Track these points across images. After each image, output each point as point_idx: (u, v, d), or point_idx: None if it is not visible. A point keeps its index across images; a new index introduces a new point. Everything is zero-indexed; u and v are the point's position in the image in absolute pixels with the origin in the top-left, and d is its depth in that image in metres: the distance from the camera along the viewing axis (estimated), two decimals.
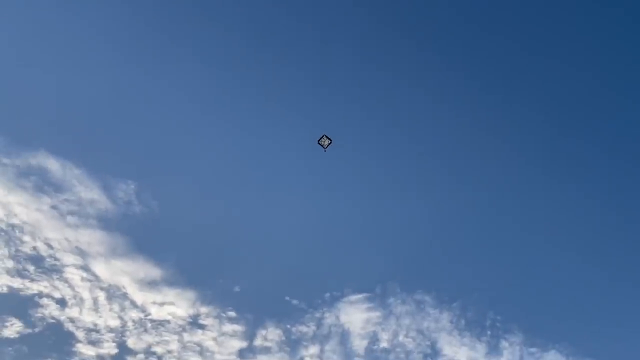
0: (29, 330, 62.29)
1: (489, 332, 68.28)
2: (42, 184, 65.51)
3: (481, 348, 67.44)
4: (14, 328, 61.94)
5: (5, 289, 62.34)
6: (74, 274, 64.79)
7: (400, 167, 74.78)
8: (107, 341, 63.71)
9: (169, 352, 64.76)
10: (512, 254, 73.08)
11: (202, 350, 65.32)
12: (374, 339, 67.53)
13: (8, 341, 61.40)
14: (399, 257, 71.84)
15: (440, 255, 72.76)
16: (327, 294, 69.22)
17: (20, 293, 62.89)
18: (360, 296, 69.12)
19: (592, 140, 76.97)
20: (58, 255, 64.85)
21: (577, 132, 77.33)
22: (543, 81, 77.59)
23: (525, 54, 78.03)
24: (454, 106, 76.72)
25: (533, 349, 67.47)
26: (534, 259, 73.19)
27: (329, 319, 68.06)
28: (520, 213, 74.76)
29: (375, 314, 68.42)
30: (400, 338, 67.79)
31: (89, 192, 66.90)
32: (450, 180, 75.19)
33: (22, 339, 61.67)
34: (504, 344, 67.67)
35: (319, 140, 56.39)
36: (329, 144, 56.33)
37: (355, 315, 68.24)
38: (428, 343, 67.87)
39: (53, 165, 66.03)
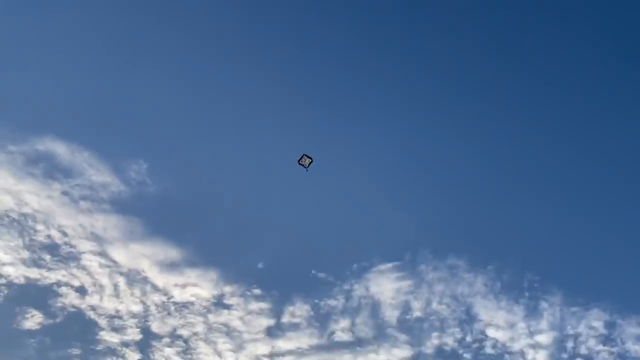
0: (51, 321, 59.46)
1: (526, 294, 64.03)
2: (52, 170, 62.09)
3: (519, 311, 63.38)
4: (34, 319, 59.29)
5: (22, 280, 59.59)
6: (91, 261, 61.51)
7: (424, 127, 70.59)
8: (131, 327, 60.85)
9: (195, 334, 61.67)
10: (546, 213, 68.33)
11: (228, 331, 61.97)
12: (406, 308, 63.99)
13: (30, 333, 58.68)
14: (428, 222, 66.97)
15: (471, 218, 67.96)
16: (355, 265, 65.14)
17: (38, 283, 59.94)
18: (389, 265, 64.84)
19: None
20: (73, 242, 61.43)
21: None
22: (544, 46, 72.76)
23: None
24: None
25: (575, 308, 62.87)
26: (569, 215, 68.73)
27: (358, 290, 64.39)
28: (551, 169, 70.36)
29: (406, 283, 64.57)
30: (434, 305, 64.06)
31: (100, 175, 63.50)
32: (477, 140, 70.93)
33: (43, 330, 58.74)
34: (544, 305, 63.42)
35: (299, 160, 53.43)
36: (310, 162, 53.36)
37: (385, 286, 64.33)
38: (463, 309, 63.76)
39: (61, 149, 62.57)
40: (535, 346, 62.26)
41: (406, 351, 62.32)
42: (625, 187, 69.61)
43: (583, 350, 61.89)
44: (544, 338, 62.40)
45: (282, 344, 62.27)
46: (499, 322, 63.12)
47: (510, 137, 71.47)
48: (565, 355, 61.89)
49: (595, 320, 62.57)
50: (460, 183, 68.84)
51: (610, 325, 62.36)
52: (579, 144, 70.88)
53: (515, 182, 69.53)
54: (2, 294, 58.97)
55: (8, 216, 60.37)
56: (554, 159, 70.52)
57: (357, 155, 68.99)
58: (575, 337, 62.29)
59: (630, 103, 71.49)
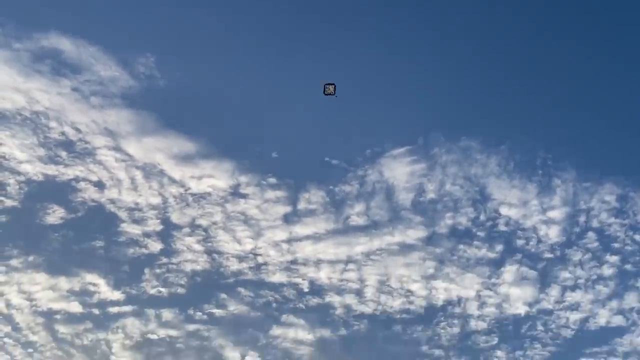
0: (72, 215, 59.99)
1: (539, 172, 63.55)
2: (59, 67, 60.56)
3: (532, 189, 63.14)
4: (56, 214, 59.89)
5: (41, 177, 59.58)
6: (107, 156, 61.37)
7: (433, 9, 67.82)
8: (151, 218, 61.46)
9: (214, 223, 62.20)
10: (558, 90, 67.21)
11: (246, 219, 62.44)
12: (420, 191, 64.04)
13: (53, 227, 59.39)
14: (439, 104, 65.82)
15: (483, 98, 66.99)
16: (368, 151, 64.38)
17: (57, 179, 59.98)
18: (402, 150, 64.33)
19: None
20: (88, 138, 61.03)
21: None
22: None
23: None
24: None
25: (587, 184, 62.35)
26: (580, 91, 67.39)
27: (371, 175, 64.27)
28: (561, 46, 68.25)
29: (420, 166, 64.29)
30: (447, 187, 63.90)
31: (109, 70, 61.99)
32: (485, 17, 68.41)
33: (66, 224, 59.42)
34: (556, 181, 63.00)
35: (325, 91, 51.74)
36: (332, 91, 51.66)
37: (398, 170, 64.15)
38: (477, 189, 63.70)
39: (66, 45, 60.78)
40: (548, 222, 62.84)
41: (420, 232, 63.13)
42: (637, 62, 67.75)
43: (595, 223, 62.48)
44: (556, 214, 62.89)
45: (299, 230, 63.17)
46: (512, 200, 63.38)
47: (521, 11, 68.86)
48: (577, 229, 62.63)
49: (608, 194, 62.76)
50: (469, 62, 67.22)
51: (622, 198, 62.61)
52: (594, 19, 68.41)
53: (526, 59, 67.74)
54: (22, 191, 59.44)
55: (20, 114, 59.90)
56: (565, 35, 68.33)
57: (366, 40, 67.11)
58: (588, 211, 62.70)
59: None
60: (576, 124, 66.52)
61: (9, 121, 59.45)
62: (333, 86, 51.15)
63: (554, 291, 61.54)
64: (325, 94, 51.47)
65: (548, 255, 62.29)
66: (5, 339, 57.00)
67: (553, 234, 62.52)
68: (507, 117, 66.54)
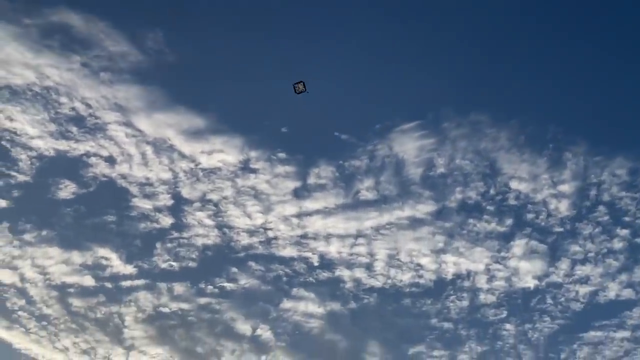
0: (84, 190, 60.38)
1: (550, 146, 62.78)
2: (69, 42, 60.09)
3: (542, 163, 62.52)
4: (68, 189, 60.27)
5: (52, 152, 59.77)
6: (117, 131, 61.29)
7: None
8: (162, 193, 61.59)
9: (224, 198, 62.40)
10: (570, 63, 66.50)
11: (256, 194, 62.55)
12: (430, 165, 63.67)
13: (65, 202, 59.92)
14: (449, 78, 65.09)
15: (493, 72, 66.32)
16: (378, 126, 64.02)
17: (68, 155, 60.17)
18: (412, 124, 63.90)
19: None
20: (98, 113, 60.94)
21: None
22: None
23: None
24: None
25: (598, 157, 61.57)
26: (593, 65, 66.55)
27: (381, 150, 63.90)
28: (574, 17, 67.31)
29: (430, 141, 63.85)
30: (457, 161, 63.50)
31: (118, 46, 61.45)
32: None
33: (78, 199, 59.99)
34: (567, 155, 62.06)
35: (295, 90, 51.68)
36: (303, 88, 51.56)
37: (408, 144, 63.62)
38: (486, 163, 63.18)
39: (76, 20, 60.36)
40: (558, 196, 62.51)
41: (430, 206, 63.12)
42: None
43: (606, 197, 62.06)
44: (566, 187, 62.43)
45: (309, 205, 63.32)
46: (522, 174, 62.91)
47: None
48: (587, 203, 62.30)
49: (619, 168, 62.04)
50: (479, 36, 66.40)
51: (633, 171, 61.88)
52: None
53: (536, 33, 66.77)
54: (34, 167, 59.86)
55: (31, 90, 59.90)
56: (577, 9, 67.32)
57: (376, 14, 66.39)
58: (599, 185, 62.24)
59: None
60: (587, 97, 65.89)
61: (19, 97, 59.60)
62: (302, 84, 51.25)
63: (564, 265, 61.60)
64: (297, 93, 51.64)
65: (558, 229, 62.24)
66: (20, 312, 57.92)
67: (563, 207, 62.32)
68: (518, 91, 65.84)
